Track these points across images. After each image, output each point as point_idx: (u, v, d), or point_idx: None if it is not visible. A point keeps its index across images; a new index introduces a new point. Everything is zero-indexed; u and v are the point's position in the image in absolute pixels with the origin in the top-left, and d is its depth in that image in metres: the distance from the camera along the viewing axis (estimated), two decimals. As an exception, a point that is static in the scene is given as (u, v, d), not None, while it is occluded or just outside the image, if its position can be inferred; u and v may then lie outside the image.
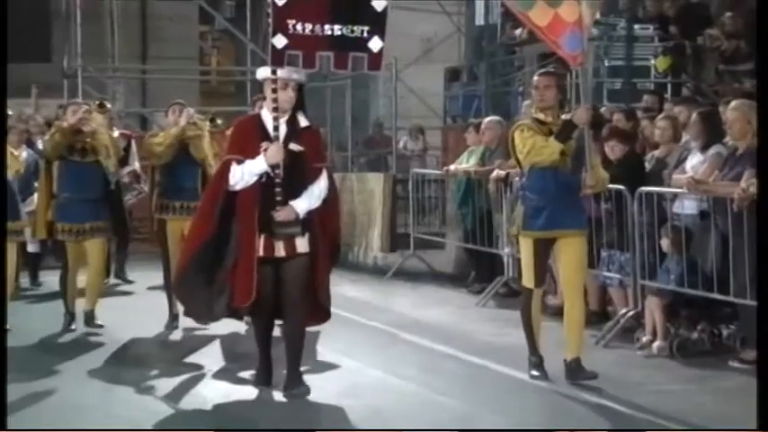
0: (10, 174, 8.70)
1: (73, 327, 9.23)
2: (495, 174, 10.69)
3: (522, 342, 8.95)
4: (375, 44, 8.62)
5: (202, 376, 7.75)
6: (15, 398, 6.78)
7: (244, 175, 6.73)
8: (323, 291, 7.03)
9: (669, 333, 8.33)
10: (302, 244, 6.84)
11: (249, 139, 6.86)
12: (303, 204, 6.79)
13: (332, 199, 7.09)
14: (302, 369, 7.12)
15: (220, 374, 7.80)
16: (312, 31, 8.52)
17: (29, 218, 9.22)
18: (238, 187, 6.76)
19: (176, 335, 9.27)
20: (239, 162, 6.75)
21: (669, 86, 13.67)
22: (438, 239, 13.23)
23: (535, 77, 7.59)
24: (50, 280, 11.13)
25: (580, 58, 7.53)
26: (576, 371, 7.34)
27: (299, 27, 8.46)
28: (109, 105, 9.53)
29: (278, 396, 7.03)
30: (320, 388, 7.18)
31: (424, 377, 7.69)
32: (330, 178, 7.07)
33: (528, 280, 7.48)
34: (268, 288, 6.84)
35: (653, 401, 6.90)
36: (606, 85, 13.88)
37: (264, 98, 7.29)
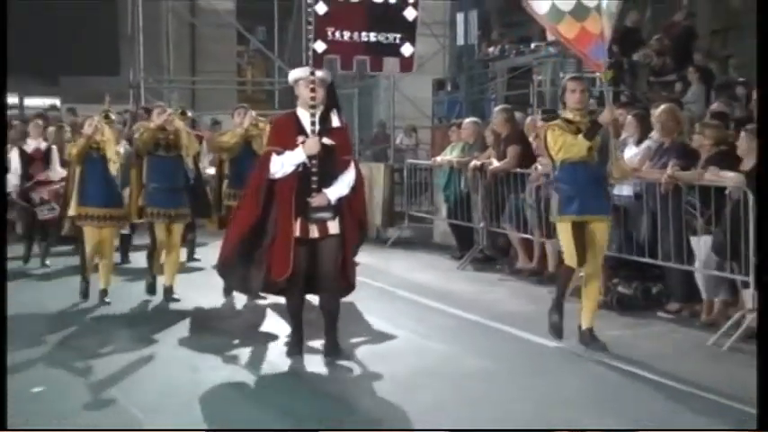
0: (114, 169, 8.36)
1: (152, 295, 8.70)
2: (472, 164, 10.68)
3: (493, 296, 9.05)
4: (407, 49, 8.28)
5: (276, 344, 7.11)
6: (118, 367, 6.43)
7: (284, 164, 6.33)
8: (348, 267, 6.59)
9: (610, 290, 8.35)
10: (333, 226, 6.41)
11: (287, 133, 6.42)
12: (335, 192, 6.40)
13: (358, 187, 6.66)
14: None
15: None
16: (351, 38, 8.15)
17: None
18: (278, 176, 6.35)
19: (248, 306, 8.47)
20: (279, 153, 6.35)
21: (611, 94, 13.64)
22: (427, 216, 13.21)
23: (569, 82, 6.92)
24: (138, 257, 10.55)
25: (604, 66, 7.05)
26: (589, 339, 6.80)
27: (337, 34, 8.12)
28: (190, 113, 9.12)
29: (340, 361, 6.54)
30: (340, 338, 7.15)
31: (416, 326, 7.71)
32: (356, 169, 6.64)
33: (570, 260, 6.77)
34: (302, 266, 6.39)
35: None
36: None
37: None
